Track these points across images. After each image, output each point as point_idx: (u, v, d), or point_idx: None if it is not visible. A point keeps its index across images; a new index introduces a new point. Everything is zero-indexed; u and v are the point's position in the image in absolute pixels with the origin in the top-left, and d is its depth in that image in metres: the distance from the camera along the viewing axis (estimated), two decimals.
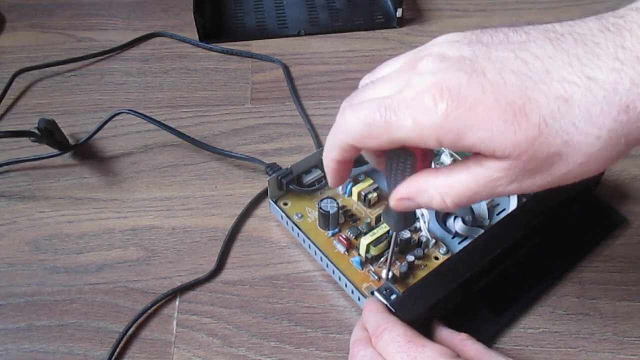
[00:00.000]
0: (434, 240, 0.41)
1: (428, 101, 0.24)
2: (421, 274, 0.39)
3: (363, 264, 0.40)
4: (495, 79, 0.23)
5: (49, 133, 0.47)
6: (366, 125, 0.25)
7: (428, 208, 0.28)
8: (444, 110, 0.23)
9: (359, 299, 0.39)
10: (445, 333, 0.35)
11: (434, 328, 0.35)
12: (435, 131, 0.24)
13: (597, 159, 0.24)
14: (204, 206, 0.46)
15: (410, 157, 0.27)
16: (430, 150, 0.27)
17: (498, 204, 0.44)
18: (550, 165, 0.24)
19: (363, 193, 0.43)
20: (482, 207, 0.43)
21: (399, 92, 0.25)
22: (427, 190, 0.27)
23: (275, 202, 0.44)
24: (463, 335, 0.34)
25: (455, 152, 0.46)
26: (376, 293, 0.35)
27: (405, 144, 0.25)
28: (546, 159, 0.24)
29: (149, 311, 0.40)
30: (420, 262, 0.40)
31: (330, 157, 0.29)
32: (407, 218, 0.32)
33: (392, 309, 0.34)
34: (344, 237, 0.41)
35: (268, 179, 0.43)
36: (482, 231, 0.41)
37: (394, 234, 0.35)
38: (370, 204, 0.43)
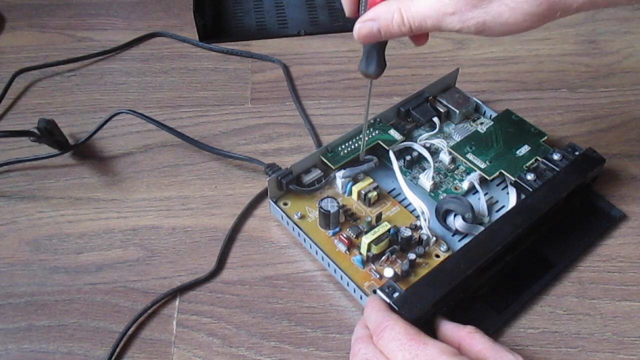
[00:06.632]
0: (434, 238, 0.41)
1: None
2: (422, 271, 0.39)
3: (364, 262, 0.40)
4: None
5: (49, 133, 0.47)
6: None
7: (388, 32, 0.32)
8: None
9: (361, 297, 0.39)
10: (450, 327, 0.35)
11: (438, 323, 0.35)
12: None
13: (522, 10, 0.29)
14: (204, 206, 0.46)
15: None
16: None
17: (497, 201, 0.44)
18: (489, 1, 0.29)
19: (363, 192, 0.43)
20: (481, 205, 0.43)
21: None
22: (391, 7, 0.32)
23: (275, 202, 0.44)
24: (470, 328, 0.34)
25: None
26: (379, 291, 0.35)
27: None
28: None
29: (149, 311, 0.40)
30: (421, 260, 0.40)
31: None
32: (379, 57, 0.36)
33: (395, 307, 0.34)
34: (345, 236, 0.41)
35: (268, 179, 0.43)
36: (482, 228, 0.41)
37: (370, 82, 0.38)
38: (370, 203, 0.43)
